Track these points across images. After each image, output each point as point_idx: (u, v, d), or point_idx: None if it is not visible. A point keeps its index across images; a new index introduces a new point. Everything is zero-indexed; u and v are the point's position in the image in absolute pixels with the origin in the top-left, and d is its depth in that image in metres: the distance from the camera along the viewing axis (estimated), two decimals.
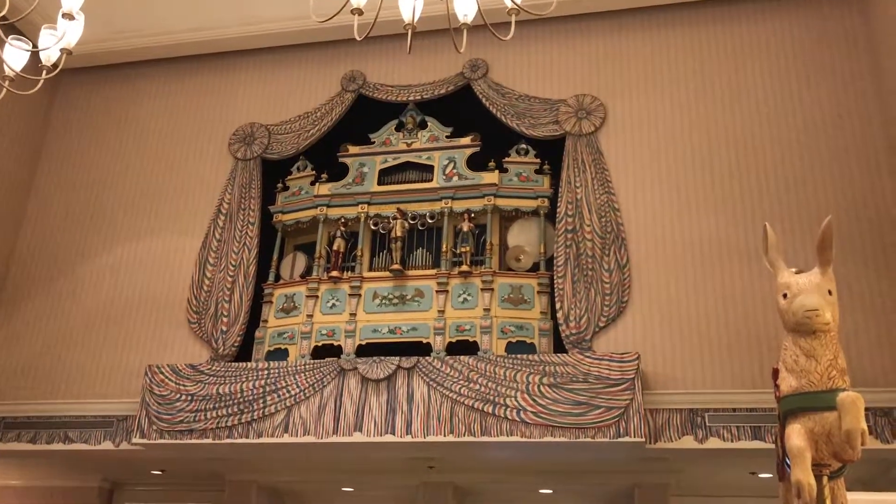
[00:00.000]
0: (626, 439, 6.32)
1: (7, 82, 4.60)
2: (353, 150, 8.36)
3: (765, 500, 7.89)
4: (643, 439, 6.33)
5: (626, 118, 7.80)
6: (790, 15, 7.79)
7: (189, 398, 7.24)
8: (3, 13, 4.63)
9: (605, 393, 6.49)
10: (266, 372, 7.20)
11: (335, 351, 7.43)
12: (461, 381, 6.78)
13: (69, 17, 4.41)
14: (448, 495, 8.60)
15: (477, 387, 6.73)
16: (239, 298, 7.88)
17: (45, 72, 4.69)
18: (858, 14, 7.59)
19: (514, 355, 6.87)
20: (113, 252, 8.51)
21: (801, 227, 6.92)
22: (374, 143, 8.37)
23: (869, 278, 6.71)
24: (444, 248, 7.67)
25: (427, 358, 7.01)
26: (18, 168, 8.92)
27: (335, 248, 7.87)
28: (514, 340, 7.19)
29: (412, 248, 7.81)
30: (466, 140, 8.13)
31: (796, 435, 3.52)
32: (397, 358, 7.02)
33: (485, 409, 6.64)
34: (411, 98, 8.39)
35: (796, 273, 3.92)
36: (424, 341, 7.31)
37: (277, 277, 8.04)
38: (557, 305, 7.18)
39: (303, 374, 7.11)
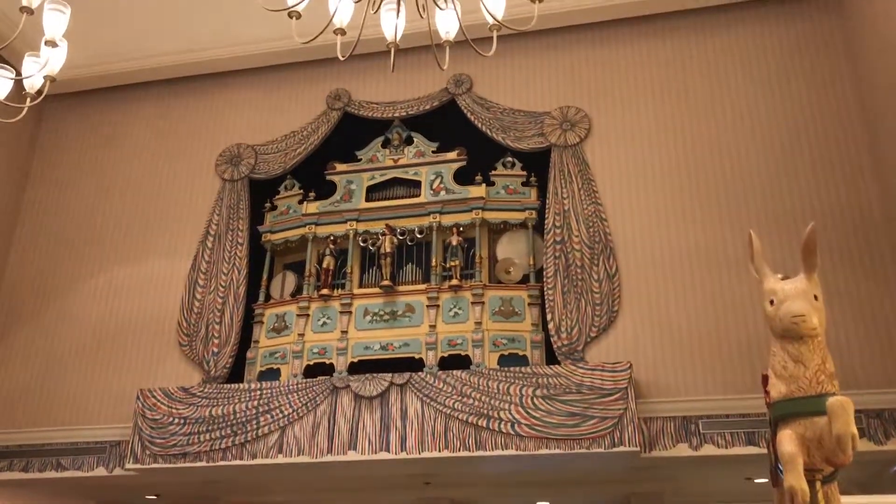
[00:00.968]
0: (621, 449, 6.32)
1: None
2: (340, 167, 8.38)
3: None
4: (638, 448, 6.34)
5: (610, 128, 7.86)
6: (769, 22, 7.88)
7: (182, 421, 7.20)
8: None
9: (599, 403, 6.50)
10: (259, 392, 7.18)
11: (327, 369, 7.41)
12: (454, 396, 6.77)
13: (52, 44, 4.42)
14: None
15: (470, 401, 6.73)
16: (229, 319, 7.87)
17: (29, 99, 4.69)
18: (836, 18, 7.68)
19: (506, 368, 6.88)
20: (102, 276, 8.48)
21: (788, 233, 6.96)
22: (360, 160, 8.39)
23: (856, 281, 6.76)
24: (433, 263, 7.69)
25: (420, 373, 7.00)
26: (5, 194, 8.89)
27: (325, 265, 7.87)
28: (506, 353, 7.20)
29: (402, 264, 7.81)
30: (453, 154, 8.16)
31: (788, 441, 3.54)
32: (390, 374, 7.01)
33: (479, 423, 6.64)
34: (397, 114, 8.43)
35: (782, 279, 3.94)
36: (416, 357, 7.31)
37: (268, 297, 8.02)
38: (548, 317, 7.19)
39: (295, 394, 7.09)
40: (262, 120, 8.85)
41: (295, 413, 7.01)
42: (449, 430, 6.69)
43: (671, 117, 7.75)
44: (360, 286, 7.81)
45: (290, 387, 7.14)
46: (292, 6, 3.94)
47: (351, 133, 8.53)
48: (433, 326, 7.41)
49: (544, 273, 7.38)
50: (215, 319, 7.89)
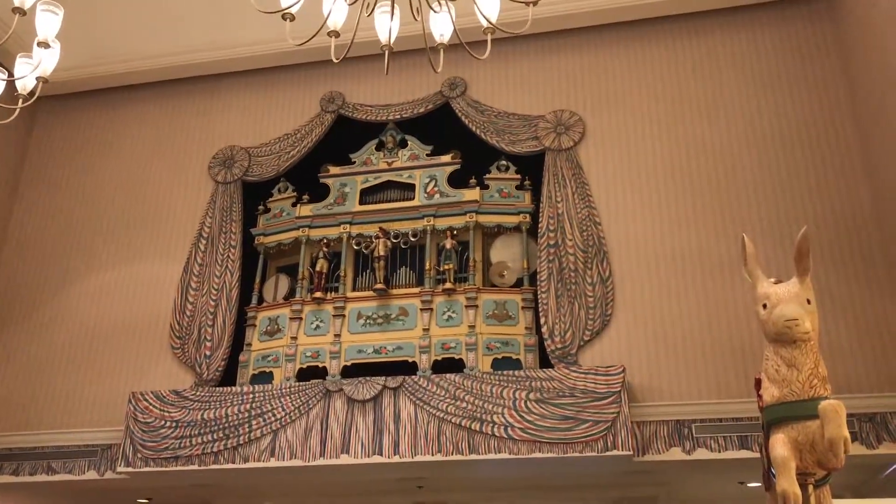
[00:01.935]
0: (614, 453, 6.32)
1: None
2: (333, 170, 8.36)
3: None
4: (631, 452, 6.33)
5: (604, 132, 7.87)
6: (763, 26, 7.90)
7: (174, 425, 7.17)
8: None
9: (592, 407, 6.49)
10: (251, 396, 7.15)
11: (320, 373, 7.39)
12: (448, 400, 6.76)
13: (45, 45, 4.41)
14: None
15: (464, 404, 6.72)
16: (222, 322, 7.84)
17: (21, 100, 4.67)
18: (829, 23, 7.71)
19: (500, 372, 6.87)
20: (94, 278, 8.44)
21: (781, 237, 6.99)
22: (354, 163, 8.38)
23: (848, 285, 6.78)
24: (427, 266, 7.67)
25: (413, 377, 6.98)
26: None
27: (318, 269, 7.85)
28: (499, 357, 7.19)
29: (395, 267, 7.80)
30: (447, 158, 8.16)
31: (780, 444, 3.54)
32: (383, 378, 6.99)
33: (472, 427, 6.62)
34: (391, 117, 8.43)
35: (775, 283, 3.94)
36: (410, 360, 7.29)
37: (260, 300, 8.00)
38: (542, 320, 7.19)
39: (288, 397, 7.07)
40: (255, 122, 8.83)
41: (287, 417, 6.99)
42: (442, 433, 6.68)
43: (665, 121, 7.77)
44: (354, 289, 7.79)
45: (283, 390, 7.12)
46: (286, 8, 3.94)
47: (345, 136, 8.52)
48: (427, 330, 7.39)
49: (538, 276, 7.38)
50: (208, 322, 7.86)
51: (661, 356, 6.89)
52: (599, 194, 7.61)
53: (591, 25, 8.27)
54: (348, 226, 8.02)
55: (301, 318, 7.68)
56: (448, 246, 7.69)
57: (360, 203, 8.13)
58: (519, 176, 7.96)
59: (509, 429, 6.54)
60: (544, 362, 7.07)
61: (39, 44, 4.38)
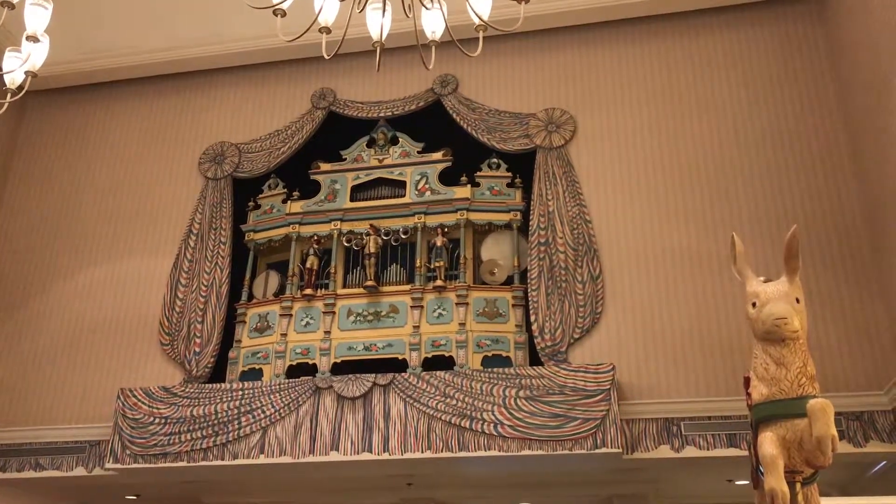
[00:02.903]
0: (603, 450, 6.34)
1: None
2: (324, 167, 8.34)
3: None
4: (620, 450, 6.35)
5: (595, 131, 7.88)
6: (754, 26, 7.93)
7: (163, 421, 7.15)
8: None
9: (582, 404, 6.51)
10: (240, 393, 7.13)
11: (310, 370, 7.38)
12: (438, 397, 6.77)
13: (34, 39, 4.37)
14: None
15: (454, 402, 6.72)
16: (212, 319, 7.81)
17: (10, 94, 4.64)
18: (818, 23, 7.75)
19: (490, 369, 6.88)
20: (83, 274, 8.40)
21: (770, 235, 7.02)
22: (345, 159, 8.36)
23: (837, 284, 6.81)
24: (418, 264, 7.67)
25: (403, 374, 6.99)
26: None
27: (308, 265, 7.83)
28: (489, 354, 7.20)
29: (386, 264, 7.79)
30: (438, 155, 8.15)
31: (768, 443, 3.55)
32: (373, 375, 6.99)
33: (462, 424, 6.63)
34: (382, 114, 8.41)
35: (764, 282, 3.95)
36: (400, 357, 7.29)
37: (250, 297, 7.97)
38: (532, 318, 7.20)
39: (278, 394, 7.05)
40: (246, 118, 8.80)
41: (277, 413, 6.98)
42: (432, 430, 6.68)
43: (656, 120, 7.79)
44: (344, 286, 7.78)
45: (273, 387, 7.11)
46: (277, 4, 3.92)
47: (336, 132, 8.49)
48: (417, 327, 7.39)
49: (528, 274, 7.39)
50: (197, 319, 7.84)
51: (650, 354, 6.92)
52: (590, 192, 7.62)
53: (582, 24, 8.28)
54: (339, 223, 8.00)
55: (291, 315, 7.67)
56: (439, 243, 7.69)
57: (351, 200, 8.11)
58: (510, 174, 7.96)
59: (499, 426, 6.56)
60: (534, 360, 7.08)
61: (28, 38, 4.34)
